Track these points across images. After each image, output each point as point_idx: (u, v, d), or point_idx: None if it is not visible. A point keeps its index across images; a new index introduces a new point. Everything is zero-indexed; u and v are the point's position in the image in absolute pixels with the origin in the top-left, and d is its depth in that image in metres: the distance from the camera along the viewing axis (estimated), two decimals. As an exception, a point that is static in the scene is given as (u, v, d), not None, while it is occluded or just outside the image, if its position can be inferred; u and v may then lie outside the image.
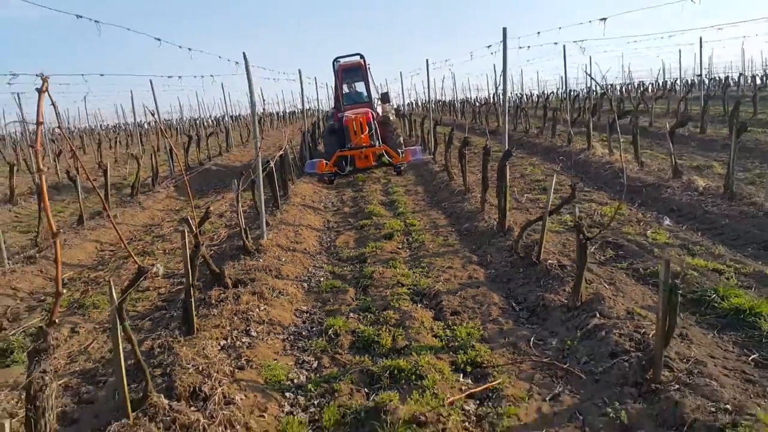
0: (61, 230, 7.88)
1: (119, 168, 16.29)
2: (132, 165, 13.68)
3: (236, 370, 3.81)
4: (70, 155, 16.12)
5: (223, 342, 4.24)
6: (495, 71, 20.07)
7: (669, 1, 7.31)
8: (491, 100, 23.09)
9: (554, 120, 13.83)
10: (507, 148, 6.44)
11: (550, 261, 5.25)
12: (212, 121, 35.11)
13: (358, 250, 6.96)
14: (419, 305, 4.99)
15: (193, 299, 4.22)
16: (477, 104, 26.24)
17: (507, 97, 7.61)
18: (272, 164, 7.92)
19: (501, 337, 4.24)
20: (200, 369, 3.65)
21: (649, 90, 26.37)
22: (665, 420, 2.94)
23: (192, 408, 3.28)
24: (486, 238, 6.72)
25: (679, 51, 25.32)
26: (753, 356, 3.62)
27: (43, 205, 2.08)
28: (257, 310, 4.87)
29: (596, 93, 20.71)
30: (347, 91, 14.34)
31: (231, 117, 24.84)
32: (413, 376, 3.65)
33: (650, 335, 3.61)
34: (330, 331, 4.56)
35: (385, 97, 14.89)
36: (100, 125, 35.45)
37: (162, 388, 3.44)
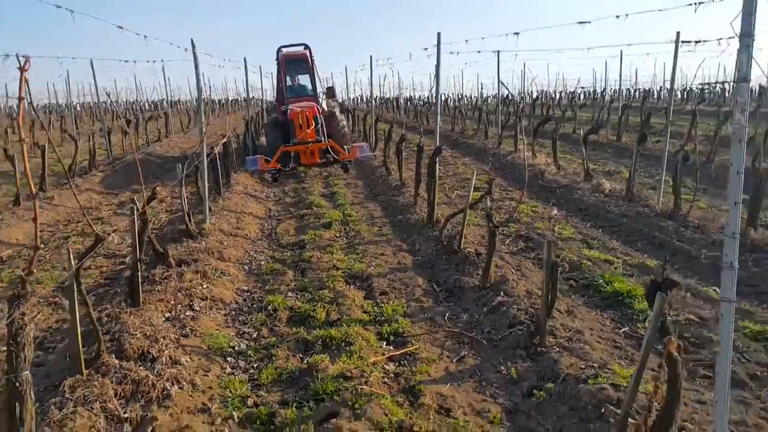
0: None
1: (55, 150, 15.89)
2: (68, 147, 13.49)
3: (181, 338, 4.20)
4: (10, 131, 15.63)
5: (167, 314, 4.61)
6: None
7: (600, 17, 8.11)
8: (432, 100, 23.89)
9: (486, 123, 14.69)
10: (437, 146, 7.05)
11: (468, 249, 5.90)
12: (150, 105, 34.27)
13: (298, 237, 7.41)
14: (352, 286, 5.51)
15: (139, 273, 4.57)
16: (419, 103, 27.07)
17: (439, 100, 8.23)
18: (216, 151, 8.23)
19: (421, 313, 4.83)
20: (147, 335, 4.03)
21: (580, 98, 28.00)
22: (545, 374, 3.60)
23: (141, 367, 3.66)
24: (416, 229, 7.33)
25: (605, 62, 27.09)
26: (624, 329, 4.37)
27: (24, 171, 2.42)
28: (200, 287, 5.25)
29: (529, 99, 21.90)
30: (290, 83, 13.52)
31: (171, 102, 24.48)
32: (343, 343, 4.17)
33: (547, 318, 4.28)
34: (269, 307, 5.02)
35: (330, 92, 14.12)
36: (33, 104, 33.79)
37: (112, 350, 3.80)
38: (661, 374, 2.65)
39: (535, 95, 25.96)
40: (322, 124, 11.68)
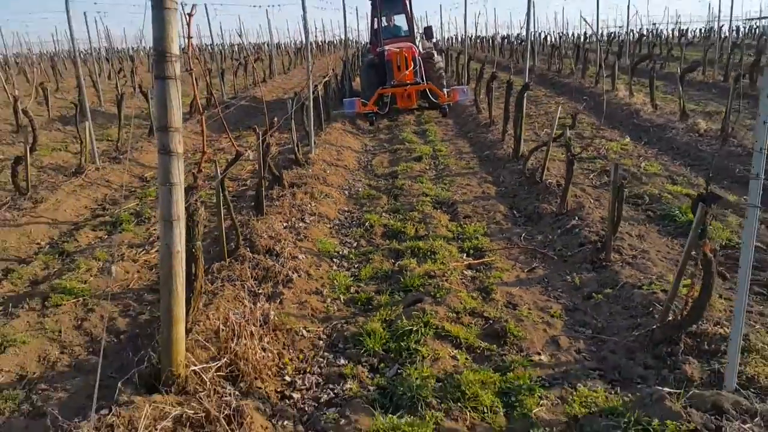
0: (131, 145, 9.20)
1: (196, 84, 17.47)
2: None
3: (297, 241, 5.09)
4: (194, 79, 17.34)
5: (285, 224, 5.52)
6: (535, 11, 20.23)
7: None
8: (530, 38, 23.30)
9: (585, 61, 14.40)
10: (525, 82, 7.37)
11: (549, 180, 6.33)
12: (253, 47, 35.90)
13: (391, 168, 8.12)
14: (439, 210, 6.17)
15: (263, 188, 5.49)
16: (515, 42, 26.42)
17: (529, 38, 8.43)
18: (318, 91, 9.02)
19: (500, 234, 5.42)
20: (271, 236, 4.95)
21: (689, 35, 26.09)
22: (606, 283, 4.12)
23: (268, 259, 4.58)
24: (502, 163, 7.79)
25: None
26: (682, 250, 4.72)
27: (193, 93, 3.20)
28: (309, 205, 6.13)
29: (633, 36, 20.79)
30: (386, 23, 13.07)
31: (273, 45, 25.66)
32: (428, 253, 4.87)
33: (618, 240, 4.73)
34: (366, 224, 5.81)
35: (428, 32, 13.54)
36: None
37: (246, 246, 4.75)
38: (697, 273, 3.13)
39: (642, 32, 24.40)
40: (420, 65, 11.37)
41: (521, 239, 5.22)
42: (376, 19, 12.81)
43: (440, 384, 3.04)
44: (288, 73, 23.40)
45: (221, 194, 4.31)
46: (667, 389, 2.83)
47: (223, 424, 2.71)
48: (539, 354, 3.39)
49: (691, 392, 2.79)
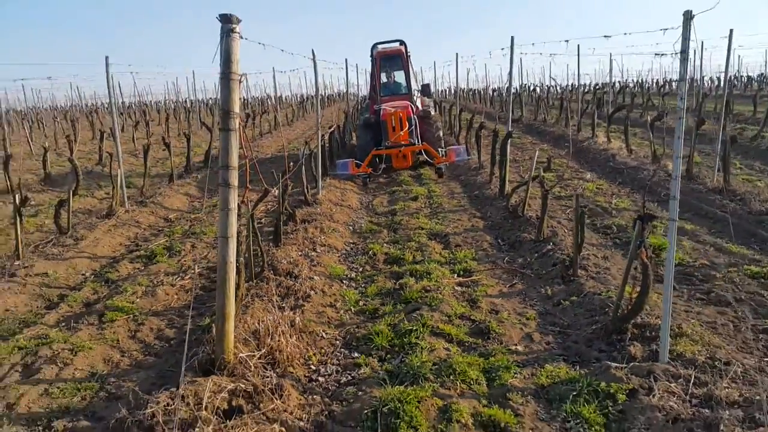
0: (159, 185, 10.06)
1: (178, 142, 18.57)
2: (205, 136, 15.84)
3: (311, 266, 5.91)
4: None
5: (299, 253, 6.34)
6: (522, 66, 21.76)
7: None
8: (516, 91, 24.79)
9: (567, 111, 15.57)
10: (508, 131, 8.36)
11: (529, 214, 7.22)
12: (257, 101, 37.52)
13: (390, 207, 9.02)
14: (433, 241, 7.01)
15: (281, 222, 6.34)
16: (504, 94, 27.93)
17: (511, 94, 9.49)
18: (326, 137, 10.01)
19: (486, 258, 6.25)
20: (290, 262, 5.78)
21: (665, 87, 27.73)
22: (572, 293, 4.94)
23: (289, 280, 5.40)
24: (489, 201, 8.70)
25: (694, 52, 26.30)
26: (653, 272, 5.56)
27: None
28: (319, 238, 6.98)
29: (613, 88, 22.20)
30: (385, 80, 12.98)
31: (277, 98, 27.09)
32: (425, 273, 5.69)
33: (580, 256, 5.58)
34: (370, 252, 6.65)
35: (425, 90, 13.38)
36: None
37: (269, 270, 5.57)
38: (638, 276, 3.97)
39: (625, 83, 25.95)
40: (416, 125, 11.24)
41: (504, 262, 6.06)
42: (374, 76, 12.82)
43: (436, 366, 3.81)
44: (291, 125, 24.68)
45: (251, 225, 5.15)
46: (614, 364, 3.63)
47: (268, 395, 3.48)
48: (516, 345, 4.18)
49: (632, 364, 3.59)
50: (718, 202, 7.78)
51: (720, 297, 4.79)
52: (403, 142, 11.07)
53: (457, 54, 15.99)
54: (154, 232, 8.07)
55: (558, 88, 26.51)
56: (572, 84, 24.26)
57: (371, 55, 13.09)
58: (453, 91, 34.29)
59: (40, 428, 3.49)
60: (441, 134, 12.17)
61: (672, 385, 3.34)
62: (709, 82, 27.70)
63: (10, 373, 4.10)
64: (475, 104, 30.27)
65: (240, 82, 3.88)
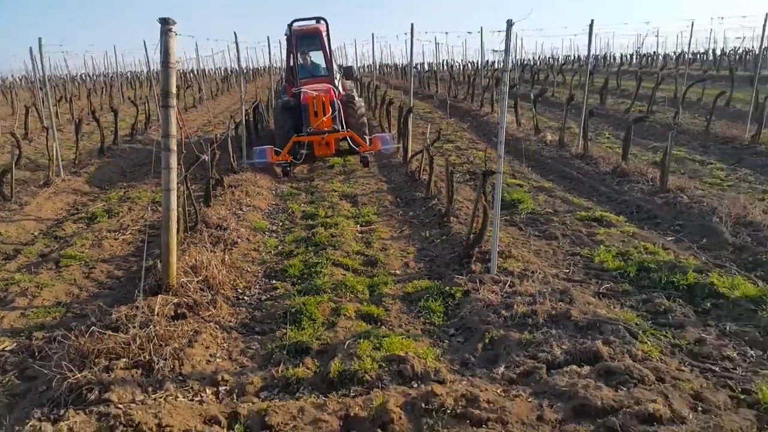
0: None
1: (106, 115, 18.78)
2: (125, 110, 16.25)
3: (238, 221, 7.06)
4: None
5: (227, 212, 7.46)
6: (436, 43, 23.26)
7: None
8: (433, 68, 26.30)
9: (473, 88, 17.18)
10: (409, 106, 9.72)
11: (424, 177, 8.65)
12: (181, 75, 37.15)
13: (309, 174, 10.22)
14: (344, 200, 8.31)
15: (211, 186, 7.42)
16: (423, 70, 29.45)
17: (411, 74, 10.88)
18: (250, 112, 11.01)
19: (385, 213, 7.62)
20: (219, 217, 6.90)
21: (556, 65, 30.27)
22: (444, 234, 6.38)
23: (219, 231, 6.53)
24: (395, 168, 10.08)
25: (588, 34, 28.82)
26: (506, 218, 7.11)
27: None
28: (245, 200, 8.10)
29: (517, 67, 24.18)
30: (302, 62, 12.01)
31: (201, 72, 27.23)
32: (333, 225, 6.98)
33: (454, 205, 7.03)
34: (289, 210, 7.86)
35: (348, 72, 12.57)
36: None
37: (202, 224, 6.67)
38: (481, 215, 5.42)
39: (526, 63, 28.12)
40: (339, 110, 10.57)
41: (398, 215, 7.47)
42: (291, 56, 11.92)
43: (334, 284, 5.13)
44: (216, 99, 25.07)
45: (186, 185, 6.23)
46: (458, 276, 5.09)
47: (205, 305, 4.68)
48: (396, 270, 5.58)
49: (470, 276, 5.06)
50: (577, 164, 9.53)
51: (551, 233, 6.39)
52: (326, 129, 10.35)
53: (373, 34, 17.35)
54: (91, 198, 8.89)
55: (468, 66, 28.34)
56: (477, 62, 26.10)
57: (287, 34, 12.06)
58: (371, 71, 35.59)
59: (23, 338, 4.53)
60: (365, 120, 11.51)
61: (493, 286, 4.82)
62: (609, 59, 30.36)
63: (-11, 305, 5.06)
64: (396, 80, 31.63)
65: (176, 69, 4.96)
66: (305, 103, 10.38)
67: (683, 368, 3.62)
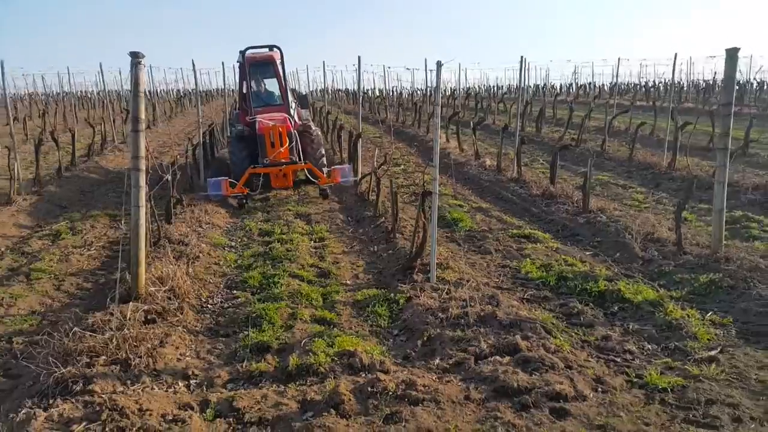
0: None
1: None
2: (80, 131, 16.31)
3: (199, 237, 7.52)
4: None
5: (188, 228, 7.90)
6: (385, 72, 24.30)
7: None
8: (383, 94, 27.32)
9: (419, 114, 18.13)
10: (358, 132, 10.44)
11: (373, 198, 9.33)
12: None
13: (265, 194, 10.74)
14: (299, 219, 8.88)
15: (171, 204, 7.86)
16: (372, 96, 30.46)
17: (360, 103, 11.62)
18: (206, 134, 11.46)
19: (337, 231, 8.24)
20: (181, 234, 7.35)
21: (498, 94, 32.15)
22: (390, 249, 7.05)
23: (181, 246, 6.98)
24: (345, 189, 10.73)
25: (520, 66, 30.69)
26: (447, 235, 7.86)
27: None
28: (204, 217, 8.56)
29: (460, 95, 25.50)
30: (256, 89, 11.85)
31: (154, 92, 27.26)
32: (289, 241, 7.54)
33: (399, 223, 7.72)
34: (247, 228, 8.37)
35: (303, 101, 12.57)
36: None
37: (165, 239, 7.11)
38: (421, 231, 6.12)
39: (471, 91, 29.59)
40: (296, 140, 10.37)
41: (349, 232, 8.10)
42: (244, 83, 11.65)
43: (290, 293, 5.69)
44: (171, 120, 25.20)
45: (149, 203, 6.66)
46: (401, 285, 5.75)
47: (173, 312, 5.15)
48: (347, 281, 6.19)
49: (411, 284, 5.72)
50: (512, 188, 10.44)
51: (486, 248, 7.16)
52: (283, 160, 10.13)
53: (324, 62, 18.14)
54: (53, 217, 9.12)
55: (417, 93, 29.61)
56: (425, 89, 27.38)
57: (240, 61, 11.76)
58: (323, 95, 36.50)
59: (4, 342, 4.88)
60: (323, 150, 11.36)
61: (432, 293, 5.50)
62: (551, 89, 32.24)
63: (-38, 315, 5.36)
64: (348, 105, 32.52)
65: (144, 95, 5.49)
66: (261, 134, 10.13)
67: (590, 359, 4.35)
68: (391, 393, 3.76)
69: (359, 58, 10.54)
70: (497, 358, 4.27)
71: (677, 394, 3.70)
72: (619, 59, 18.48)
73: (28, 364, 4.17)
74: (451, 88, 26.70)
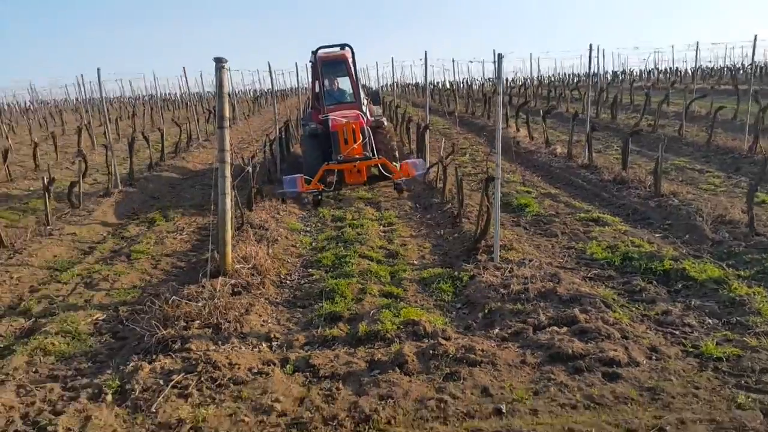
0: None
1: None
2: (166, 130, 17.62)
3: (277, 223, 8.10)
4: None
5: (268, 215, 8.51)
6: (454, 64, 24.29)
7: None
8: (452, 87, 27.38)
9: (489, 105, 18.12)
10: (425, 123, 10.72)
11: (439, 185, 9.60)
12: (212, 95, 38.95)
13: (339, 191, 11.26)
14: (368, 206, 9.30)
15: (252, 193, 8.50)
16: (442, 89, 30.56)
17: (428, 96, 11.87)
18: (282, 130, 12.14)
19: (405, 216, 8.59)
20: (261, 220, 7.95)
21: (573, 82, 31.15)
22: (456, 232, 7.32)
23: (261, 231, 7.57)
24: (414, 178, 11.04)
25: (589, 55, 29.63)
26: (513, 219, 8.00)
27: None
28: (281, 206, 9.16)
29: (528, 85, 25.08)
30: (329, 87, 11.97)
31: (235, 94, 28.86)
32: (360, 226, 7.96)
33: (465, 208, 7.96)
34: (320, 214, 8.89)
35: (375, 97, 12.63)
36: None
37: (247, 224, 7.73)
38: (485, 214, 6.35)
39: (543, 81, 29.00)
40: (369, 136, 10.34)
41: (417, 217, 8.43)
42: (317, 82, 11.82)
43: (360, 272, 6.09)
44: (248, 119, 26.55)
45: (233, 192, 7.29)
46: (466, 264, 6.01)
47: (256, 286, 5.69)
48: (413, 261, 6.52)
49: (475, 264, 5.97)
50: (583, 174, 10.38)
51: (552, 232, 7.26)
52: (357, 156, 10.06)
53: (392, 58, 18.34)
54: (146, 206, 10.06)
55: (487, 84, 29.49)
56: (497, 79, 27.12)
57: (312, 61, 12.02)
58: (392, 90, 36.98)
59: (111, 311, 5.59)
60: (395, 145, 11.35)
61: (495, 271, 5.73)
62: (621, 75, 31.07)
63: (78, 287, 6.17)
64: (418, 98, 32.79)
65: (228, 96, 6.06)
66: (335, 131, 10.14)
67: (648, 332, 4.46)
68: (451, 356, 4.06)
69: (426, 53, 10.83)
70: (555, 328, 4.47)
71: (732, 363, 3.77)
72: (698, 42, 17.61)
73: (133, 326, 4.80)
74: (522, 78, 26.50)
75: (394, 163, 10.28)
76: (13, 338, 5.11)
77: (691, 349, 4.07)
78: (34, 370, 4.49)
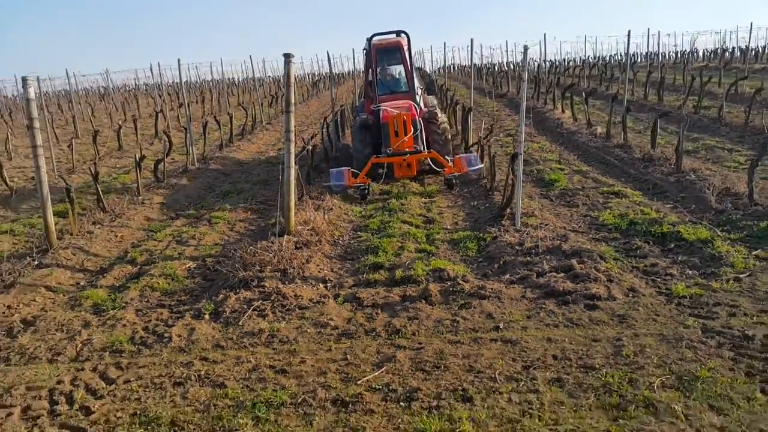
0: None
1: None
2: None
3: (331, 195, 9.31)
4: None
5: (323, 189, 9.74)
6: (507, 47, 24.73)
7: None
8: (505, 69, 27.81)
9: (537, 86, 18.68)
10: (470, 107, 11.63)
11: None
12: (273, 80, 40.79)
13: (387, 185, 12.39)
14: (413, 182, 10.38)
15: (311, 169, 9.74)
16: (495, 71, 31.00)
17: (473, 79, 12.73)
18: (337, 114, 13.35)
19: (445, 190, 9.62)
20: (318, 192, 9.19)
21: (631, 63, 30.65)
22: (488, 203, 8.31)
23: (318, 201, 8.81)
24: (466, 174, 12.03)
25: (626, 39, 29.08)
26: (541, 192, 8.90)
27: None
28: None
29: (577, 66, 25.20)
30: (382, 76, 11.57)
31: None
32: (403, 197, 9.07)
33: (498, 183, 8.90)
34: (370, 188, 10.06)
35: (430, 87, 13.00)
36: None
37: (307, 195, 8.99)
38: (510, 185, 7.34)
39: (594, 62, 28.88)
40: (421, 129, 10.02)
41: (455, 191, 9.46)
42: (370, 71, 11.45)
43: (401, 234, 7.22)
44: (307, 102, 28.05)
45: (296, 167, 8.55)
46: (491, 228, 7.03)
47: (315, 243, 6.92)
48: (447, 226, 7.60)
49: (498, 227, 6.98)
50: (616, 152, 11.06)
51: (574, 203, 8.14)
52: (407, 150, 9.81)
53: (444, 43, 19.18)
54: (219, 182, 11.53)
55: (536, 66, 29.65)
56: (550, 62, 27.32)
57: (366, 48, 11.66)
58: (444, 71, 37.42)
59: (200, 261, 6.97)
60: (449, 136, 10.86)
61: (514, 233, 6.73)
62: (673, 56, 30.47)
63: (171, 243, 7.60)
64: (469, 80, 33.31)
65: (293, 86, 7.24)
66: (385, 122, 9.87)
67: (634, 279, 5.38)
68: (466, 292, 5.15)
69: (471, 40, 11.70)
70: (553, 274, 5.46)
71: (692, 300, 4.68)
72: (752, 23, 17.43)
73: (220, 268, 6.14)
74: (568, 60, 26.62)
75: (447, 158, 9.96)
76: (125, 279, 6.55)
77: (664, 291, 4.99)
78: (145, 300, 5.88)
